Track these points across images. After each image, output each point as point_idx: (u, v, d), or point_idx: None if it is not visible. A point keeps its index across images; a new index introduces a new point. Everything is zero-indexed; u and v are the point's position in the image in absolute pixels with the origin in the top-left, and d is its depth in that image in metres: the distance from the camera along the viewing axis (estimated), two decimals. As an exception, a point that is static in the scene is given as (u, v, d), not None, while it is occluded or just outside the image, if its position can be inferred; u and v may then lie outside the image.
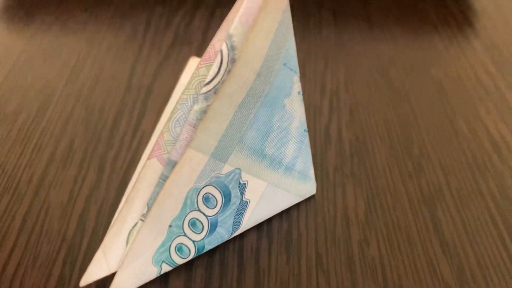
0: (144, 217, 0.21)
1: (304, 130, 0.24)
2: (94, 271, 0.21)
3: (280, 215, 0.25)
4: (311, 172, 0.25)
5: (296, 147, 0.24)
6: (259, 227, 0.25)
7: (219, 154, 0.21)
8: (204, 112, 0.21)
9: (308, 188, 0.25)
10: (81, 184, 0.27)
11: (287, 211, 0.25)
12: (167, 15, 0.39)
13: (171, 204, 0.21)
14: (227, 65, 0.21)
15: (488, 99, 0.32)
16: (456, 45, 0.36)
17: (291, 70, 0.22)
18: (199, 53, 0.35)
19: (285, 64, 0.22)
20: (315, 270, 0.23)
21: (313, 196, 0.26)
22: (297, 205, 0.26)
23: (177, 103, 0.21)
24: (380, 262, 0.23)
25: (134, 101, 0.32)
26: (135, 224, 0.22)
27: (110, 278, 0.22)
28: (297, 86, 0.23)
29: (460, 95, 0.32)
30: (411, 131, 0.29)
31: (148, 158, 0.21)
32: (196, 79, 0.21)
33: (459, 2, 0.40)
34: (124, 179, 0.27)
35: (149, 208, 0.21)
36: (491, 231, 0.24)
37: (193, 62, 0.29)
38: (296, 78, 0.23)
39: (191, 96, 0.21)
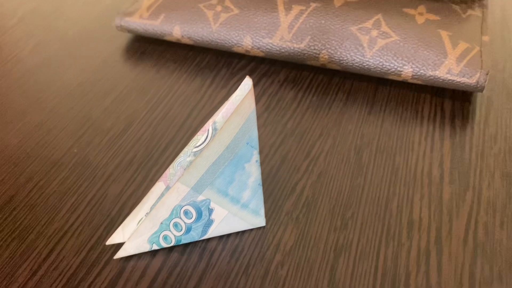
0: (147, 215, 0.37)
1: (259, 184, 0.37)
2: (115, 238, 0.37)
3: (237, 233, 0.39)
4: (262, 211, 0.38)
5: (251, 194, 0.37)
6: (221, 237, 0.39)
7: (197, 188, 0.36)
8: (191, 162, 0.35)
9: (258, 221, 0.39)
10: (130, 184, 0.43)
11: (243, 232, 0.39)
12: (227, 77, 0.54)
13: (163, 211, 0.36)
14: (210, 138, 0.35)
15: (427, 188, 0.42)
16: (430, 140, 0.46)
17: (252, 147, 0.36)
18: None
19: (247, 143, 0.36)
20: (241, 273, 0.36)
21: (263, 226, 0.39)
22: (251, 230, 0.39)
23: (181, 152, 0.36)
24: (284, 278, 0.36)
25: (182, 137, 0.47)
26: (142, 218, 0.37)
27: (122, 244, 0.38)
28: (255, 157, 0.36)
29: (407, 181, 0.42)
30: (353, 199, 0.41)
31: (158, 181, 0.37)
32: (194, 141, 0.36)
33: (454, 104, 0.50)
34: (155, 187, 0.42)
35: (151, 210, 0.36)
36: (369, 284, 0.36)
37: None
38: (255, 152, 0.36)
39: (189, 151, 0.36)
